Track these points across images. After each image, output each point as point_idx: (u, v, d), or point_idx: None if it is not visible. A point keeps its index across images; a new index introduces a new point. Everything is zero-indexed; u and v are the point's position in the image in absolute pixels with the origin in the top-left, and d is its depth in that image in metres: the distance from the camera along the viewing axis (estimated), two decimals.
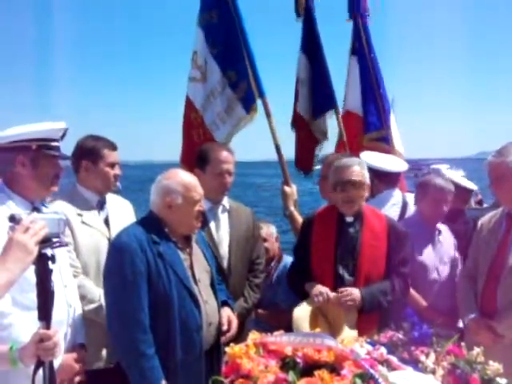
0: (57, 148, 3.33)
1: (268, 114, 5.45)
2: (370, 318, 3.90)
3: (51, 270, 2.40)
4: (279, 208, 5.57)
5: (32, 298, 2.96)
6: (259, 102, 5.48)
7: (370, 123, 6.66)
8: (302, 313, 3.85)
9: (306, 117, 6.79)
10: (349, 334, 3.62)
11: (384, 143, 6.51)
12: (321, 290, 3.88)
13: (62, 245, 2.55)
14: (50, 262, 2.39)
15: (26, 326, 2.96)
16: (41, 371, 2.44)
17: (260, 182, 58.23)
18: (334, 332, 3.70)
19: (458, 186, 4.91)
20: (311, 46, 6.71)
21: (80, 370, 3.27)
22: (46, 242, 2.35)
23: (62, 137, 3.38)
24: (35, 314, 2.95)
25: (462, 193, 5.14)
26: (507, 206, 4.05)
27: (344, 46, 7.18)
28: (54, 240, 2.41)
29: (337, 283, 3.95)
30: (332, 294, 3.87)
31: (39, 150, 3.23)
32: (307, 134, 6.83)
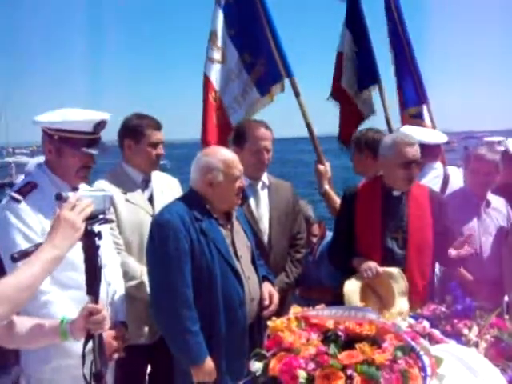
0: (85, 141, 3.26)
1: (297, 93, 5.38)
2: (419, 291, 3.91)
3: (98, 246, 2.44)
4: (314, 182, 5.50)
5: (70, 276, 3.05)
6: (287, 81, 5.39)
7: (409, 99, 6.64)
8: (352, 287, 3.86)
9: (350, 91, 6.71)
10: (401, 306, 3.61)
11: (420, 120, 6.48)
12: (369, 264, 3.87)
13: (108, 221, 2.60)
14: (96, 238, 2.43)
15: (63, 303, 3.04)
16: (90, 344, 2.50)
17: (297, 158, 57.35)
18: (386, 306, 3.70)
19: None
20: (355, 22, 6.65)
21: (119, 346, 3.29)
22: (92, 218, 2.38)
23: (98, 128, 3.31)
24: (73, 292, 3.04)
25: None
26: None
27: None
28: (100, 217, 2.46)
29: (386, 256, 3.96)
30: (381, 269, 3.87)
31: (61, 141, 3.23)
32: (351, 108, 6.78)
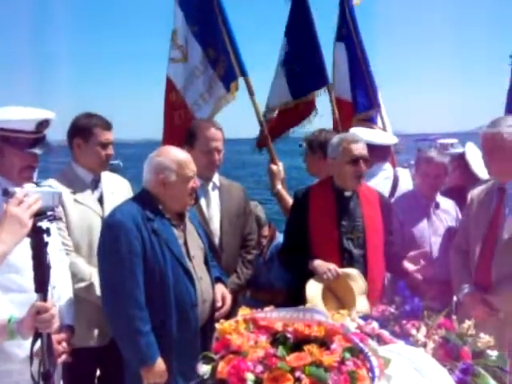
0: (27, 140, 3.15)
1: (251, 92, 5.41)
2: (379, 289, 4.02)
3: (47, 243, 2.41)
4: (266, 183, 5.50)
5: (12, 279, 2.98)
6: (241, 80, 5.40)
7: (360, 104, 6.66)
8: (314, 292, 3.84)
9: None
10: (361, 306, 3.62)
11: (371, 123, 6.52)
12: (328, 266, 3.88)
13: (57, 218, 2.56)
14: (45, 235, 2.40)
15: (4, 306, 2.93)
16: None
17: (249, 158, 56.81)
18: (346, 307, 3.71)
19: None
20: (304, 22, 6.59)
21: (64, 350, 3.20)
22: (40, 215, 2.35)
23: (41, 127, 3.20)
24: (14, 295, 2.96)
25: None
26: (498, 178, 4.03)
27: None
28: (49, 213, 2.42)
29: (344, 257, 4.00)
30: (340, 270, 3.89)
31: (2, 140, 3.11)
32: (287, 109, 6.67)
